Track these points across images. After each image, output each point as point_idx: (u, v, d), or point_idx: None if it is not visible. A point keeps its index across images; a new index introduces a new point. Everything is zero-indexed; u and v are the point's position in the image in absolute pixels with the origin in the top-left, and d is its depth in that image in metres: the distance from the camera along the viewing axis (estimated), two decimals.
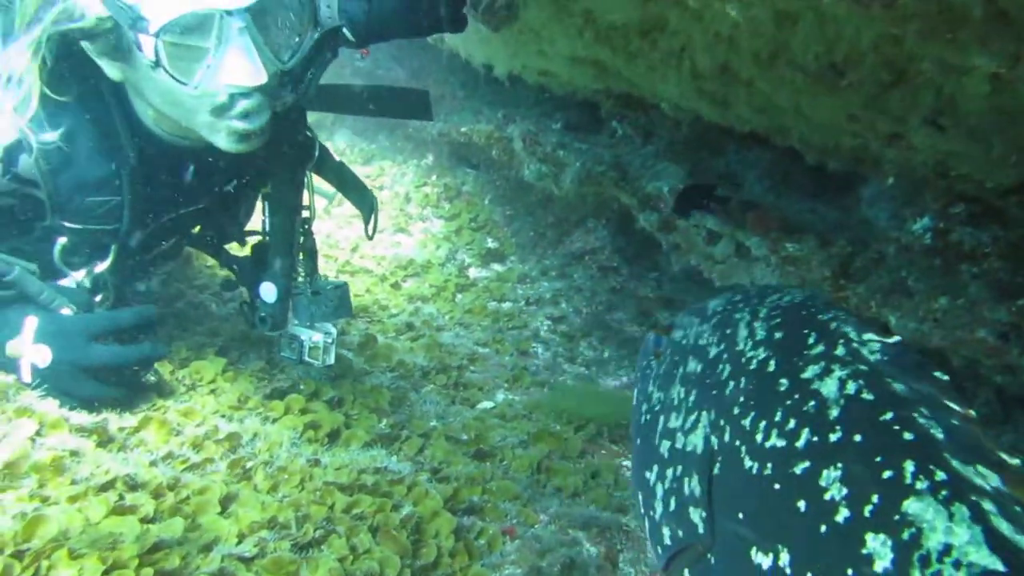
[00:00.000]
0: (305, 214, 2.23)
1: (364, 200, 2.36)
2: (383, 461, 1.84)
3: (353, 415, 2.10)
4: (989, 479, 0.78)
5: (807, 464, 0.90)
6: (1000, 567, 0.70)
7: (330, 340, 2.13)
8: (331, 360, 2.15)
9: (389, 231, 3.96)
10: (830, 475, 0.87)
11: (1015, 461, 0.82)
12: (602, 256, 4.06)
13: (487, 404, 2.61)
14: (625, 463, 2.47)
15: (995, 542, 0.72)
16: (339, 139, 4.94)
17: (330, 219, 3.86)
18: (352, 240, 3.69)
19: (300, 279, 2.19)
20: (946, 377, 0.97)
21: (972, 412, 0.89)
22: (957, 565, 0.72)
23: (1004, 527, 0.73)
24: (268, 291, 2.12)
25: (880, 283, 2.48)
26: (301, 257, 2.21)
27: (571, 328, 3.47)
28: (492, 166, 4.17)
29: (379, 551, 1.45)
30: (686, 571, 1.09)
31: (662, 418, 1.21)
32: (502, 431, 2.36)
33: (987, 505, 0.76)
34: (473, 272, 3.83)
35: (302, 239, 2.21)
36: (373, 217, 2.34)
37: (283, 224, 2.16)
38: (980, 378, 2.24)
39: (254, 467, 1.67)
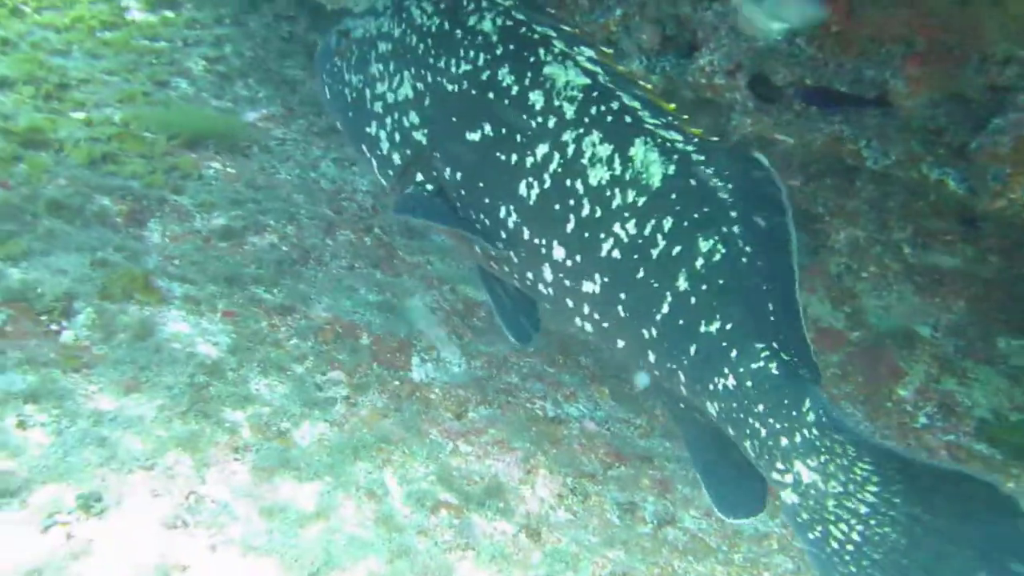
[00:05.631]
0: None
1: None
2: None
3: None
4: (585, 51, 1.39)
5: (488, 71, 1.43)
6: (587, 80, 1.37)
7: None
8: None
9: None
10: (503, 71, 1.42)
11: (606, 50, 1.44)
12: (281, 4, 3.99)
13: (78, 114, 2.59)
14: (212, 164, 2.59)
15: (585, 72, 1.38)
16: None
17: None
18: None
19: None
20: (556, 10, 1.53)
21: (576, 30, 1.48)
22: (571, 88, 1.37)
23: (588, 65, 1.38)
24: None
25: None
26: None
27: (228, 69, 3.43)
28: None
29: None
30: (418, 174, 1.54)
31: (368, 91, 1.61)
32: (75, 129, 2.37)
33: (580, 58, 1.38)
34: (135, 14, 3.63)
35: None
36: None
37: None
38: None
39: None
